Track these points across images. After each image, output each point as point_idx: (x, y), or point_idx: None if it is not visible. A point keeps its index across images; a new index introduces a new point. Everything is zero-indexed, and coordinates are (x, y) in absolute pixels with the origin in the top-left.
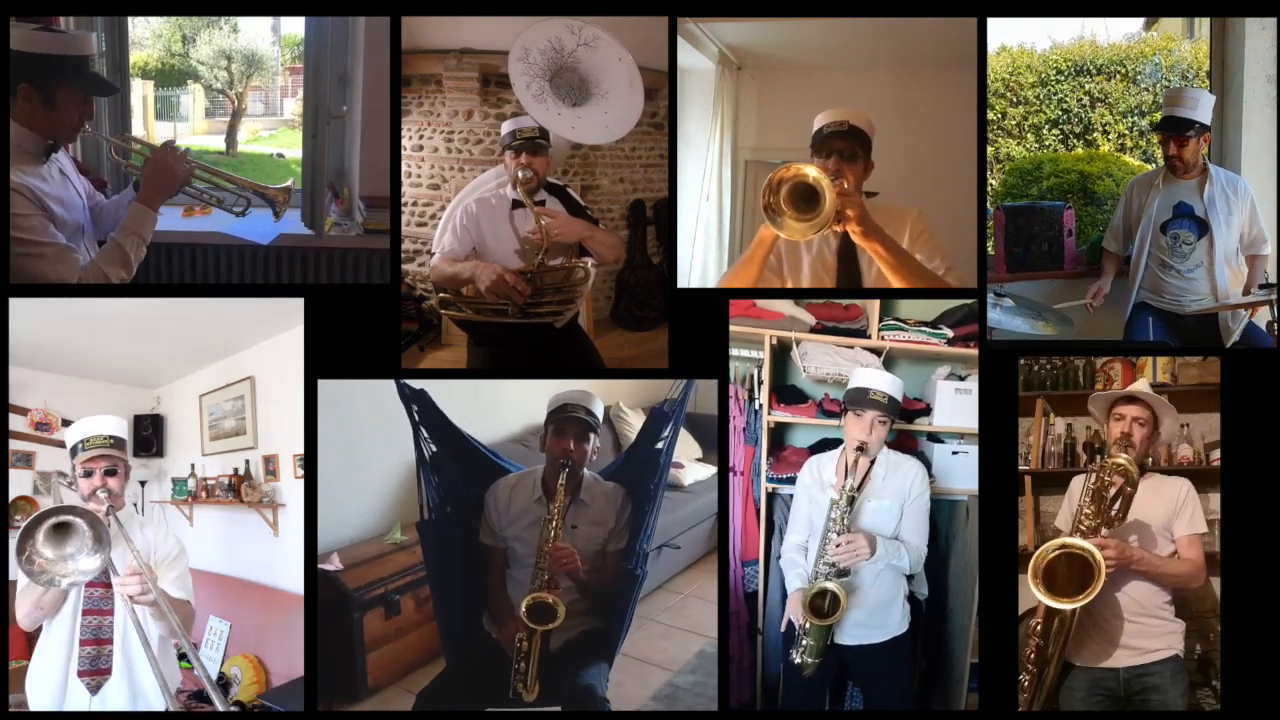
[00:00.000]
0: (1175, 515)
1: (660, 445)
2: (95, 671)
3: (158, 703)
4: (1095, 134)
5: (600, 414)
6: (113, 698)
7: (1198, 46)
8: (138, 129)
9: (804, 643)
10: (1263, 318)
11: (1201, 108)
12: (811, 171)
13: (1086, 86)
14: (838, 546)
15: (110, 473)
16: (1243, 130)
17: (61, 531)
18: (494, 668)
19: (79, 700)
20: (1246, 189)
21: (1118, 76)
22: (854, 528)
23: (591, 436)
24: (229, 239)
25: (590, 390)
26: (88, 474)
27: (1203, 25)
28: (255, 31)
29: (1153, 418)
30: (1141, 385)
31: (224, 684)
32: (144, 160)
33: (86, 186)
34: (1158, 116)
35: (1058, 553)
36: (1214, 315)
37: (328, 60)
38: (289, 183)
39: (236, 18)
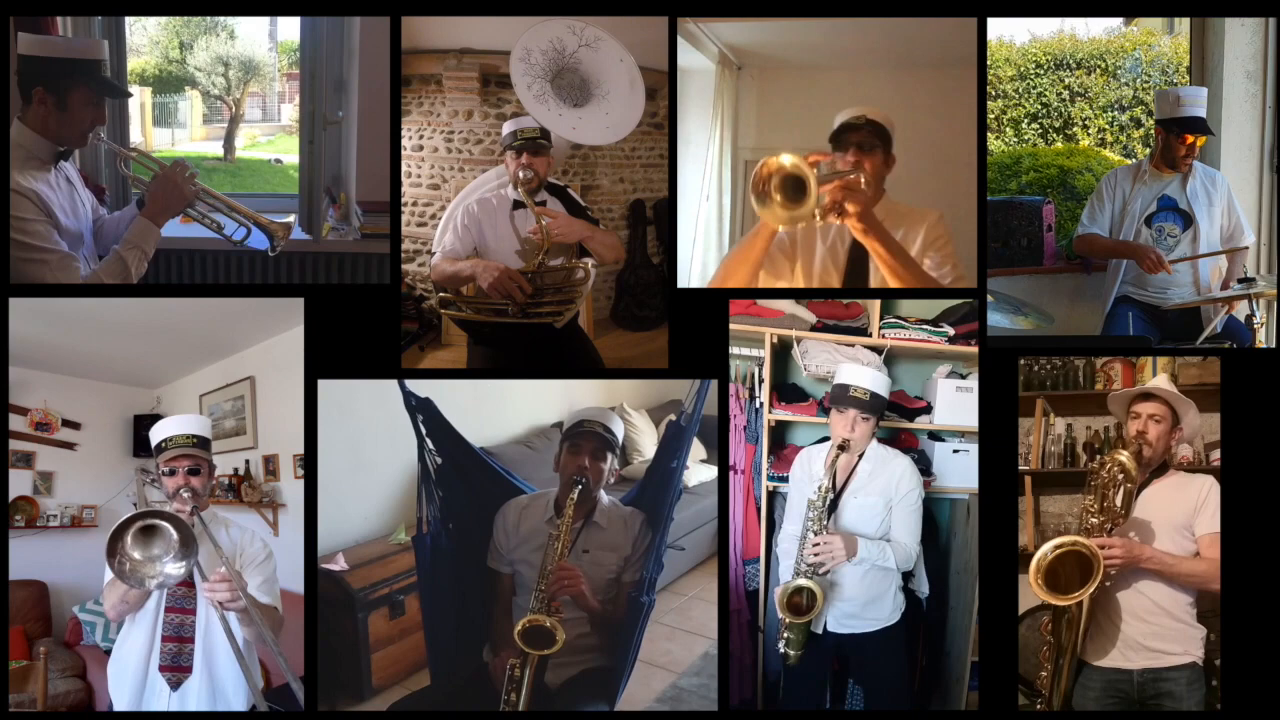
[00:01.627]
0: (1197, 513)
1: (675, 464)
2: (176, 668)
3: (238, 704)
4: (1075, 128)
5: (620, 434)
6: (193, 696)
7: (1177, 42)
8: (136, 135)
9: (786, 635)
10: (1242, 312)
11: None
12: (803, 167)
13: (1066, 80)
14: (815, 547)
15: (193, 472)
16: (1223, 127)
17: (149, 533)
18: (479, 694)
19: (159, 694)
20: (1224, 182)
21: (1098, 71)
22: (834, 528)
23: (609, 455)
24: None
25: (609, 410)
26: (171, 473)
27: (1182, 21)
28: (252, 38)
29: (1171, 414)
30: (1160, 381)
31: None
32: (152, 176)
33: (91, 199)
34: (1139, 112)
35: (1056, 553)
36: (1195, 309)
37: (323, 66)
38: (291, 219)
39: (233, 24)
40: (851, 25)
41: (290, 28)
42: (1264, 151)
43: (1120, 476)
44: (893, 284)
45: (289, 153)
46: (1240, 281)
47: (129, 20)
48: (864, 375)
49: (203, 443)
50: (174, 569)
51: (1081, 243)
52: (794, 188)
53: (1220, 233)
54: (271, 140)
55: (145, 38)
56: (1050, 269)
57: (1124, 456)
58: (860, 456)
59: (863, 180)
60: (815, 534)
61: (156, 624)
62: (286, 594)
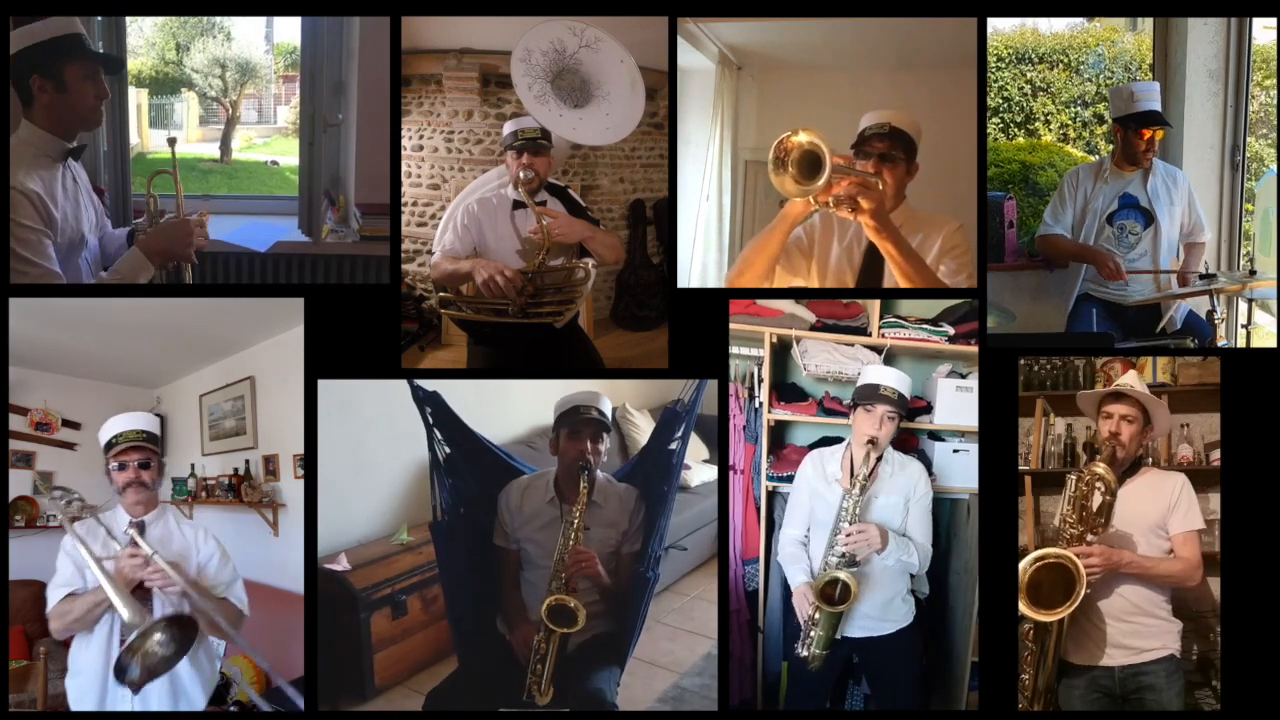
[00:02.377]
0: (1170, 512)
1: (673, 446)
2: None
3: (200, 702)
4: (1036, 123)
5: (610, 413)
6: (154, 698)
7: (1140, 39)
8: (133, 137)
9: (812, 634)
10: (1202, 307)
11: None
12: (824, 151)
13: (1028, 75)
14: (849, 536)
15: (144, 465)
16: (1185, 124)
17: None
18: (506, 669)
19: (121, 699)
20: (1184, 179)
21: (1060, 66)
22: (865, 519)
23: (605, 437)
24: (226, 246)
25: (597, 391)
26: (121, 467)
27: (1145, 18)
28: (248, 39)
29: (1142, 414)
30: (1128, 381)
31: (224, 684)
32: (165, 218)
33: (98, 203)
34: (1102, 108)
35: (1037, 565)
36: (1155, 304)
37: (323, 68)
38: None
39: (229, 27)
40: (851, 25)
41: (286, 29)
42: (1225, 149)
43: (1100, 487)
44: (904, 285)
45: (285, 154)
46: (1202, 277)
47: (126, 21)
48: (891, 375)
49: (153, 438)
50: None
51: (1044, 244)
52: (810, 165)
53: (1180, 230)
54: (268, 142)
55: (142, 39)
56: (1012, 266)
57: (1101, 469)
58: (879, 459)
59: (880, 187)
60: (849, 524)
61: (113, 631)
62: (287, 594)
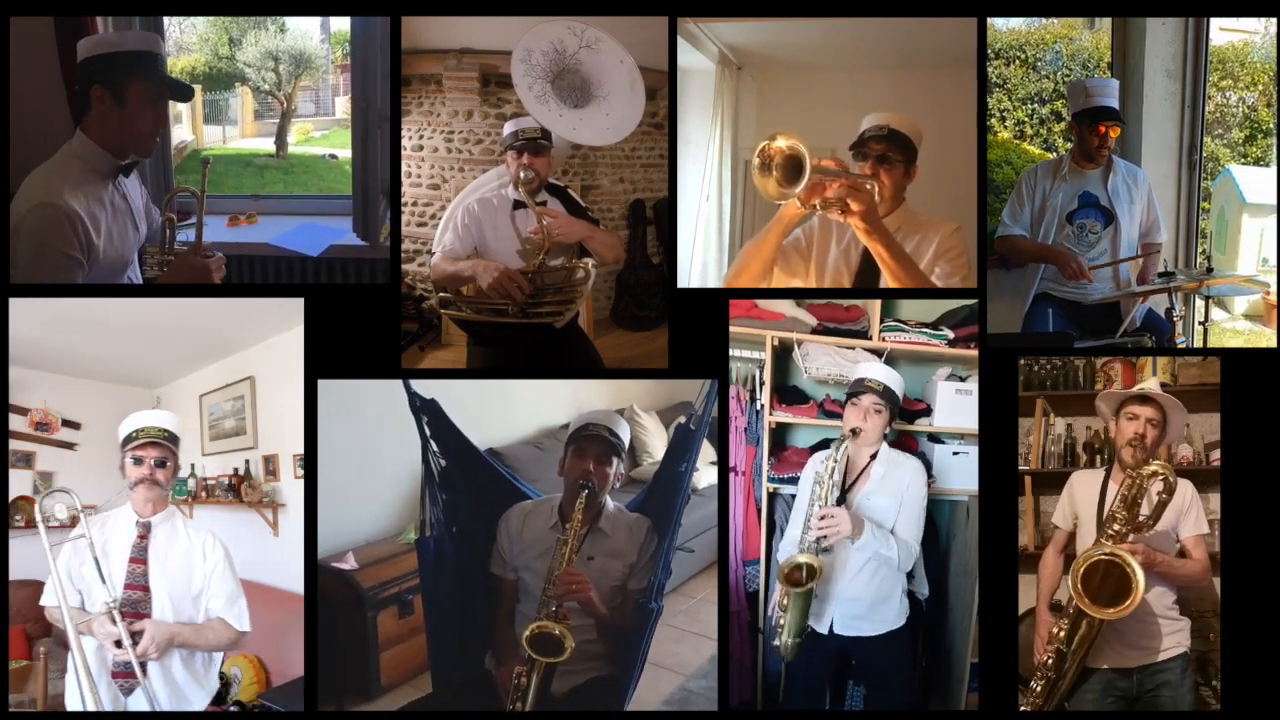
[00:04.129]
0: (1182, 517)
1: (683, 468)
2: (129, 674)
3: (199, 703)
4: (992, 120)
5: (626, 437)
6: (146, 701)
7: (1098, 37)
8: (186, 134)
9: (782, 621)
10: (1161, 305)
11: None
12: (804, 155)
13: None
14: (821, 520)
15: (160, 464)
16: (1143, 124)
17: None
18: (483, 701)
19: (113, 702)
20: (1144, 178)
21: (1017, 62)
22: (845, 506)
23: (614, 460)
24: (277, 250)
25: (615, 413)
26: (137, 462)
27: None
28: (302, 30)
29: (1163, 418)
30: (1154, 385)
31: (224, 684)
32: (179, 254)
33: (155, 215)
34: (1060, 105)
35: (1103, 557)
36: (1115, 303)
37: (377, 60)
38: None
39: (282, 17)
40: (851, 25)
41: (343, 19)
42: (1182, 149)
43: (1160, 487)
44: (894, 287)
45: (344, 147)
46: (1160, 275)
47: (178, 20)
48: (878, 369)
49: (173, 438)
50: None
51: (1003, 244)
52: (795, 169)
53: (1139, 228)
54: (325, 135)
55: (195, 35)
56: None
57: (1159, 465)
58: (873, 458)
59: (876, 192)
60: (821, 507)
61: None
62: (287, 594)
